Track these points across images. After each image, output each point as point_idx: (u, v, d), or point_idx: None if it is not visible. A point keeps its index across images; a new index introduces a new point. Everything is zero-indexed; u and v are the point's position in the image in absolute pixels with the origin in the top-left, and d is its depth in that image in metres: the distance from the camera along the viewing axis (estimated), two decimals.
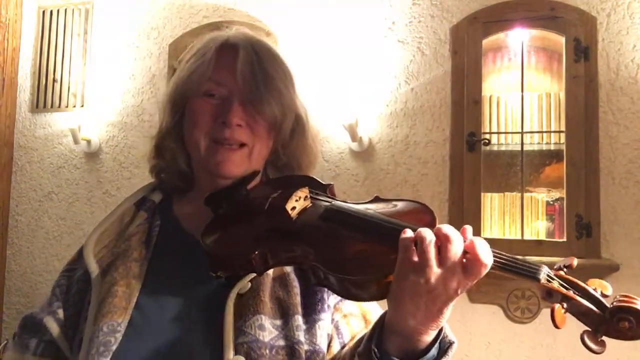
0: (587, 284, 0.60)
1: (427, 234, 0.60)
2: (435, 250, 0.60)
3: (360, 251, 0.67)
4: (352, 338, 0.78)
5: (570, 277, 0.60)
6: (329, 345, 0.77)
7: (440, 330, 0.65)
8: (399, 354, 0.64)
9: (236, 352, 0.71)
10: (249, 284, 0.77)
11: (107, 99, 2.88)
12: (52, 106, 2.97)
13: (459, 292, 0.60)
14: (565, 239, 2.18)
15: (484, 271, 0.60)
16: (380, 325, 0.66)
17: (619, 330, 0.56)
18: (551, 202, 2.33)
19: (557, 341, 2.19)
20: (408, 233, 0.62)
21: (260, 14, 2.67)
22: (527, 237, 2.28)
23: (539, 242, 2.23)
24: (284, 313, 0.76)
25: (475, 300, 2.29)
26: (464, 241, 0.61)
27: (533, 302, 2.21)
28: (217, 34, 0.88)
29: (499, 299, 2.25)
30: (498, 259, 0.62)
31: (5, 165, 2.99)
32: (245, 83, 0.81)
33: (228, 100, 0.82)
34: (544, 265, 0.61)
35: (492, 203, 2.37)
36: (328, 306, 0.78)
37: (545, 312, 2.20)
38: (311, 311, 0.77)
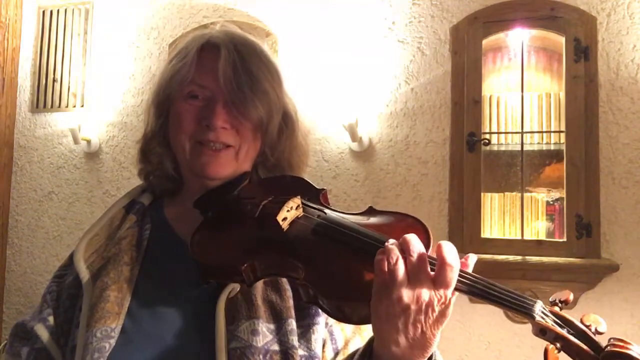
0: (582, 321, 0.59)
1: (394, 250, 0.59)
2: (403, 265, 0.58)
3: (351, 272, 0.65)
4: (346, 344, 0.77)
5: (565, 315, 0.59)
6: (322, 349, 0.76)
7: (430, 358, 0.63)
8: None
9: (229, 358, 0.70)
10: (239, 286, 0.75)
11: (107, 99, 2.88)
12: (52, 106, 2.97)
13: (435, 308, 0.59)
14: (565, 239, 2.18)
15: (451, 274, 0.58)
16: (369, 354, 0.65)
17: None
18: (551, 202, 2.33)
19: None
20: (379, 257, 0.60)
21: (260, 14, 2.67)
22: (527, 237, 2.28)
23: (539, 242, 2.23)
24: (277, 317, 0.74)
25: (475, 301, 2.28)
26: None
27: None
28: (200, 32, 0.86)
29: None
30: (493, 292, 0.60)
31: (5, 165, 2.99)
32: (228, 85, 0.79)
33: (212, 103, 0.80)
34: (538, 301, 0.59)
35: (492, 203, 2.37)
36: None
37: None
38: (305, 315, 0.75)
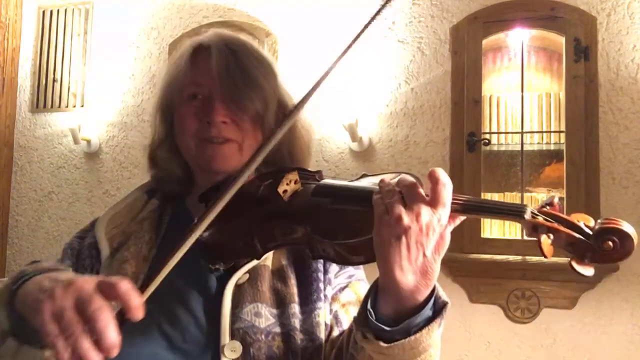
0: (570, 217, 0.61)
1: (389, 184, 0.63)
2: (400, 195, 0.62)
3: (350, 218, 0.69)
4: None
5: (554, 212, 0.62)
6: (329, 335, 0.79)
7: (433, 292, 0.64)
8: (393, 315, 0.64)
9: (232, 337, 0.74)
10: (247, 275, 0.79)
11: (107, 99, 2.87)
12: (52, 106, 2.97)
13: (435, 228, 0.60)
14: None
15: (445, 191, 0.60)
16: (374, 289, 0.66)
17: (605, 253, 0.58)
18: None
19: (557, 341, 2.19)
20: (378, 193, 0.64)
21: (260, 14, 2.67)
22: (527, 237, 2.28)
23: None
24: (280, 302, 0.78)
25: (475, 300, 2.28)
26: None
27: (533, 302, 2.21)
28: (192, 39, 0.90)
29: (499, 299, 2.25)
30: (484, 205, 0.65)
31: (5, 165, 2.99)
32: (223, 81, 0.83)
33: (209, 100, 0.84)
34: (528, 205, 0.62)
35: None
36: (325, 296, 0.81)
37: (546, 312, 2.20)
38: (308, 301, 0.80)
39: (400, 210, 0.60)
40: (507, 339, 2.25)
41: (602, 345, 2.16)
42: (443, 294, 0.67)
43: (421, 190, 0.62)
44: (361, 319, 0.66)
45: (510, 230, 2.33)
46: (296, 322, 0.77)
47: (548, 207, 0.62)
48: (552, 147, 2.34)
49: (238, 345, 0.73)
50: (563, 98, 2.25)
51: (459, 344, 2.29)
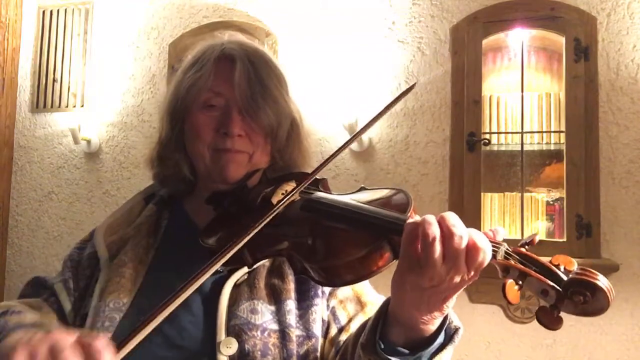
0: (551, 261, 0.56)
1: (434, 229, 0.57)
2: (441, 245, 0.56)
3: (335, 238, 0.68)
4: (349, 321, 0.81)
5: (530, 254, 0.57)
6: (327, 331, 0.81)
7: (446, 317, 0.64)
8: (404, 344, 0.63)
9: (227, 334, 0.75)
10: (246, 276, 0.81)
11: (107, 99, 2.88)
12: (52, 106, 2.97)
13: (464, 284, 0.58)
14: (565, 239, 2.18)
15: (483, 258, 0.56)
16: (383, 315, 0.65)
17: (575, 305, 0.53)
18: (551, 202, 2.33)
19: (557, 341, 2.19)
20: (412, 225, 0.58)
21: (260, 14, 2.67)
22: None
23: (539, 242, 2.22)
24: (277, 299, 0.79)
25: (475, 300, 2.29)
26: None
27: (533, 302, 2.20)
28: (213, 42, 0.91)
29: (499, 299, 2.25)
30: None
31: (5, 165, 2.99)
32: (243, 94, 0.85)
33: (227, 111, 0.85)
34: (504, 243, 0.59)
35: (492, 203, 2.37)
36: (322, 292, 0.82)
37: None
38: (305, 297, 0.81)
39: (437, 268, 0.56)
40: (507, 339, 2.25)
41: (602, 345, 2.16)
42: (455, 318, 0.66)
43: (462, 247, 0.55)
44: (369, 346, 0.64)
45: (510, 230, 2.33)
46: (292, 319, 0.77)
47: (526, 247, 0.58)
48: (552, 147, 2.34)
49: (234, 342, 0.74)
50: (563, 98, 2.25)
51: (459, 344, 2.28)
